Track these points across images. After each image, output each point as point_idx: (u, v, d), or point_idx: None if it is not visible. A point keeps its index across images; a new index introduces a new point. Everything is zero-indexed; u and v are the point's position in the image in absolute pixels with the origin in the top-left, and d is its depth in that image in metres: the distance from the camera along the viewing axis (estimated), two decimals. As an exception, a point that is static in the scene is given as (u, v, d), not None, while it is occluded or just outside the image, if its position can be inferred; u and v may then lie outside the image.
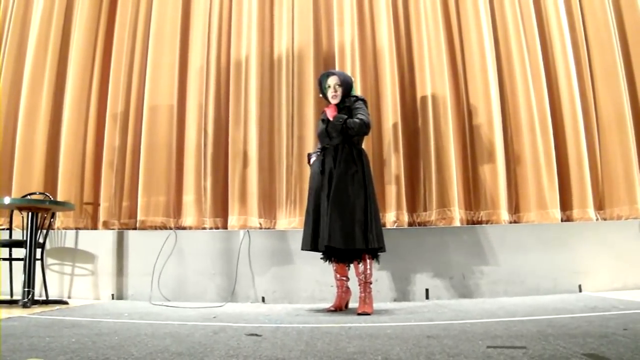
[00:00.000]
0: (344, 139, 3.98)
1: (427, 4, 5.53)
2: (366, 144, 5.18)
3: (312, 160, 4.22)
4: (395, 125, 5.29)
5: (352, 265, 4.01)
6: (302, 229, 4.09)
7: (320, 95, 4.36)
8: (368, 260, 3.85)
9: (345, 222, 3.72)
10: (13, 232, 5.04)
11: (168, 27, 5.75)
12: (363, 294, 3.81)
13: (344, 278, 4.05)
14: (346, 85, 4.12)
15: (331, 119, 3.99)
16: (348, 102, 4.08)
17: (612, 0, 5.53)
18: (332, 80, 4.14)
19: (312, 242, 3.87)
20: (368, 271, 3.85)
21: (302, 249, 3.98)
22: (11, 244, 4.69)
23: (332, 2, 5.67)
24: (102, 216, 5.43)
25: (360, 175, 3.91)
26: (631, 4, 5.48)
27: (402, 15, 5.63)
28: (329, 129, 4.02)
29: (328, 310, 3.92)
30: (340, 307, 3.99)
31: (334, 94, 4.11)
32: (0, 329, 2.80)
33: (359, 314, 3.62)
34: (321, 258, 4.00)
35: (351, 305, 4.07)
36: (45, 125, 5.60)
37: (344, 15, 5.57)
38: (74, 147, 5.54)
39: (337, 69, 5.38)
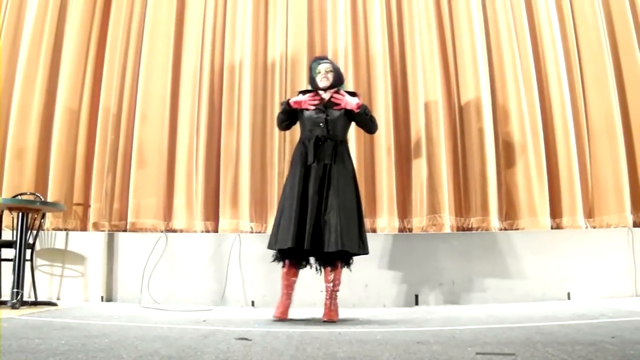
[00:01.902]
0: (341, 134, 3.91)
1: (420, 11, 5.56)
2: (357, 149, 5.22)
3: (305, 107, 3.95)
4: (387, 131, 5.31)
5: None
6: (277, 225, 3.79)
7: (307, 85, 4.19)
8: (340, 268, 3.74)
9: (350, 225, 3.64)
10: (3, 232, 5.01)
11: (162, 29, 5.74)
12: (329, 301, 3.70)
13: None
14: (337, 73, 4.00)
15: (353, 108, 3.86)
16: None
17: (604, 8, 5.57)
18: (323, 67, 3.97)
19: (296, 241, 3.57)
20: (338, 280, 3.74)
21: (281, 248, 3.67)
22: (1, 245, 4.66)
23: (326, 8, 5.69)
24: (92, 217, 5.41)
25: (353, 175, 3.89)
26: (622, 13, 5.52)
27: (395, 22, 5.66)
28: (329, 119, 3.85)
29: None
30: None
31: (324, 77, 3.94)
32: (0, 330, 2.80)
33: (325, 322, 3.55)
34: (319, 264, 3.79)
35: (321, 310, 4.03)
36: (36, 125, 5.57)
37: (338, 21, 5.59)
38: (66, 147, 5.51)
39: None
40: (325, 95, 3.96)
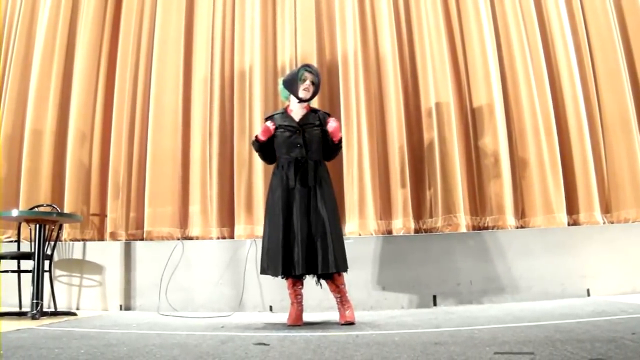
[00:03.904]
0: (317, 154, 3.83)
1: (428, 11, 5.54)
2: (371, 151, 5.22)
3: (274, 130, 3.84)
4: (399, 132, 5.30)
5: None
6: (265, 251, 3.75)
7: (280, 84, 3.97)
8: (339, 278, 3.71)
9: (339, 246, 3.64)
10: (21, 244, 5.07)
11: (171, 39, 5.79)
12: (342, 305, 3.70)
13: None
14: (317, 88, 3.88)
15: (335, 139, 3.82)
16: (321, 115, 3.93)
17: (614, 2, 5.53)
18: (310, 75, 3.82)
19: (286, 268, 3.59)
20: (343, 285, 3.72)
21: (272, 275, 3.69)
22: (19, 256, 4.71)
23: (334, 11, 5.69)
24: (109, 227, 5.46)
25: (334, 194, 3.85)
26: (633, 5, 5.48)
27: (404, 23, 5.65)
28: (307, 138, 3.78)
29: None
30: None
31: (307, 89, 3.79)
32: (0, 341, 2.82)
33: (344, 324, 3.55)
34: (320, 279, 3.78)
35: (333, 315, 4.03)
36: (51, 137, 5.64)
37: (347, 24, 5.58)
38: (80, 158, 5.58)
39: (340, 77, 5.42)
40: (299, 112, 3.88)
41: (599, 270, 4.73)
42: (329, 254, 3.53)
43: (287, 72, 4.11)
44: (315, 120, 3.87)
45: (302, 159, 3.74)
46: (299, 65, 4.09)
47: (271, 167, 5.21)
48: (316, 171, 3.74)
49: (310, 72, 3.86)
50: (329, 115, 3.99)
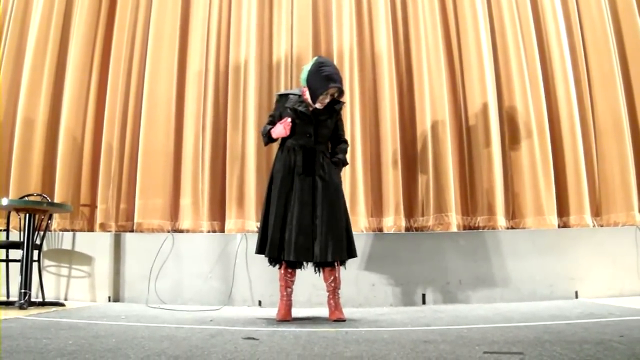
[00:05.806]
0: (325, 144, 3.86)
1: (425, 9, 5.54)
2: (364, 149, 5.22)
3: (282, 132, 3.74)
4: (393, 130, 5.30)
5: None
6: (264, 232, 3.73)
7: (306, 72, 3.74)
8: (337, 267, 3.73)
9: (348, 232, 3.71)
10: (10, 233, 5.03)
11: (167, 31, 5.74)
12: (333, 300, 3.70)
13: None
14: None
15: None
16: (337, 116, 3.90)
17: (610, 6, 5.54)
18: (333, 92, 3.69)
19: (280, 251, 3.62)
20: (339, 279, 3.74)
21: (267, 255, 3.70)
22: (8, 245, 4.67)
23: (331, 7, 5.68)
24: (99, 218, 5.42)
25: (340, 184, 3.86)
26: (628, 10, 5.49)
27: (400, 20, 5.65)
28: (320, 131, 3.76)
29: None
30: None
31: (323, 100, 3.67)
32: (0, 330, 2.81)
33: (335, 321, 3.54)
34: (316, 265, 3.76)
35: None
36: (43, 126, 5.59)
37: (343, 20, 5.58)
38: (72, 149, 5.53)
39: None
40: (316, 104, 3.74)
41: (587, 272, 4.76)
42: (340, 241, 3.61)
43: (324, 60, 3.82)
44: (327, 113, 3.79)
45: (311, 149, 3.73)
46: (335, 70, 3.78)
47: (264, 161, 5.24)
48: (324, 161, 3.74)
49: (339, 88, 3.70)
50: (343, 103, 3.91)
